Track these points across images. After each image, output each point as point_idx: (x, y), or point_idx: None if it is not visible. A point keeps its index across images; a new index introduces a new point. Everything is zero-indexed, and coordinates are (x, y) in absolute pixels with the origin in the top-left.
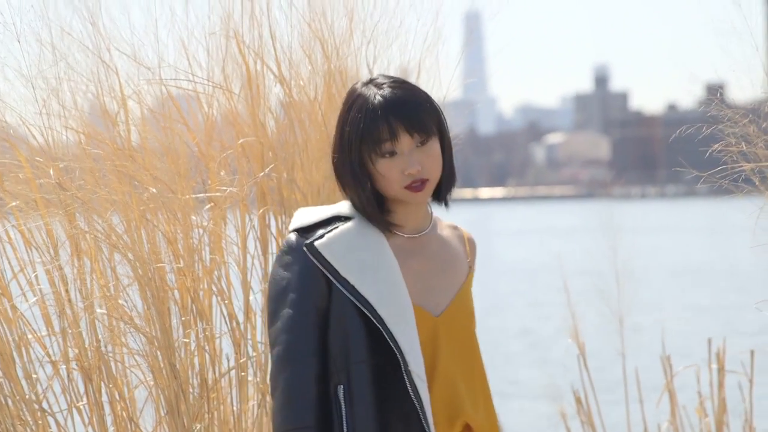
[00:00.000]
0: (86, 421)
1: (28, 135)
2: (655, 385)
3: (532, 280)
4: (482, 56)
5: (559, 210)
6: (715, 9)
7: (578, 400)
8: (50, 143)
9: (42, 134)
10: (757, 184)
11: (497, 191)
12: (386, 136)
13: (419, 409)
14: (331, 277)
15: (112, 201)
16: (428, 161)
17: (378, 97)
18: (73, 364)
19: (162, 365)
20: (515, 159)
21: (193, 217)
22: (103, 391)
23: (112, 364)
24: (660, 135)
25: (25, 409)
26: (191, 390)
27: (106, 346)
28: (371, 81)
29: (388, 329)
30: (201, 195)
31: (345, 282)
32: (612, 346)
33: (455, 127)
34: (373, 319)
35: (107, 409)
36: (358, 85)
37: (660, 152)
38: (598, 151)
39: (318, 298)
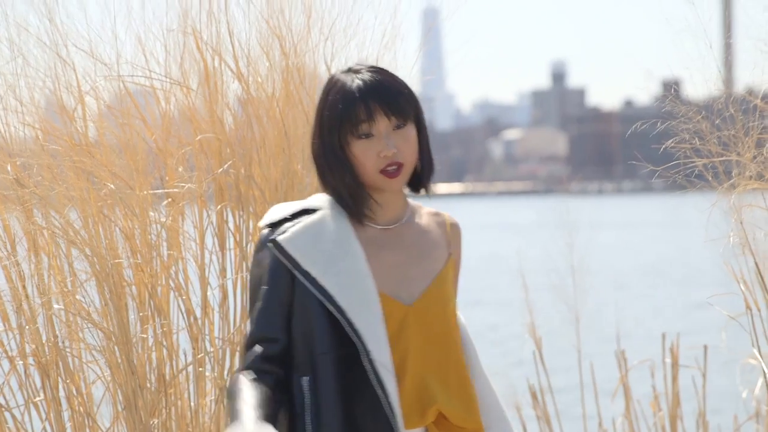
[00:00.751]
0: (43, 416)
1: None
2: (610, 379)
3: (489, 276)
4: (440, 53)
5: (517, 206)
6: (671, 7)
7: (534, 395)
8: (7, 139)
9: None
10: (710, 179)
11: (455, 187)
12: (363, 117)
13: (383, 398)
14: (294, 271)
15: (70, 197)
16: (404, 145)
17: (357, 81)
18: (30, 360)
19: (119, 361)
20: (473, 155)
21: (151, 213)
22: (61, 386)
23: (70, 359)
24: (617, 131)
25: None
26: (149, 385)
27: (63, 342)
28: (350, 69)
29: (349, 319)
30: (159, 191)
31: (307, 274)
32: (568, 342)
33: None
34: (333, 309)
35: (64, 404)
36: (337, 73)
37: (617, 148)
38: (555, 147)
39: (284, 292)
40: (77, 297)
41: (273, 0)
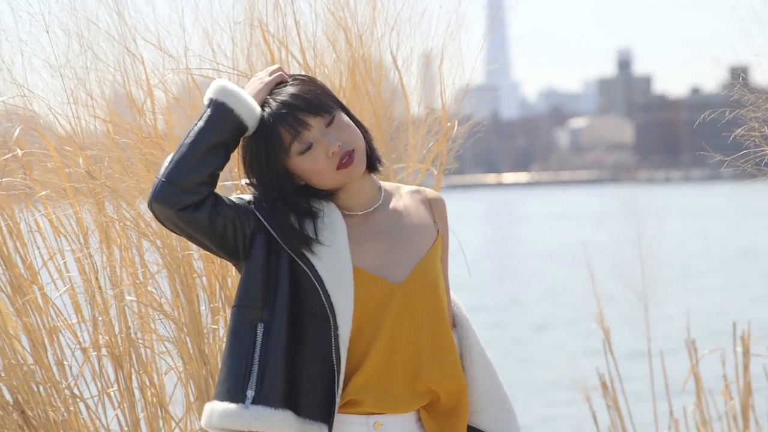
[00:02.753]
0: (117, 407)
1: (56, 124)
2: (680, 369)
3: (557, 266)
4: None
5: (583, 195)
6: None
7: (603, 385)
8: (78, 132)
9: (70, 123)
10: None
11: (521, 176)
12: (292, 133)
13: (336, 374)
14: (272, 232)
15: (140, 189)
16: (345, 134)
17: (267, 110)
18: (104, 351)
19: (191, 351)
20: (539, 144)
21: None
22: (133, 377)
23: (142, 350)
24: (684, 118)
25: (56, 396)
26: None
27: (135, 333)
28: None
29: (326, 291)
30: (227, 183)
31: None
32: (637, 331)
33: (478, 112)
34: (311, 276)
35: (137, 395)
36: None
37: (684, 136)
38: (621, 135)
39: (247, 216)
40: (149, 288)
41: None
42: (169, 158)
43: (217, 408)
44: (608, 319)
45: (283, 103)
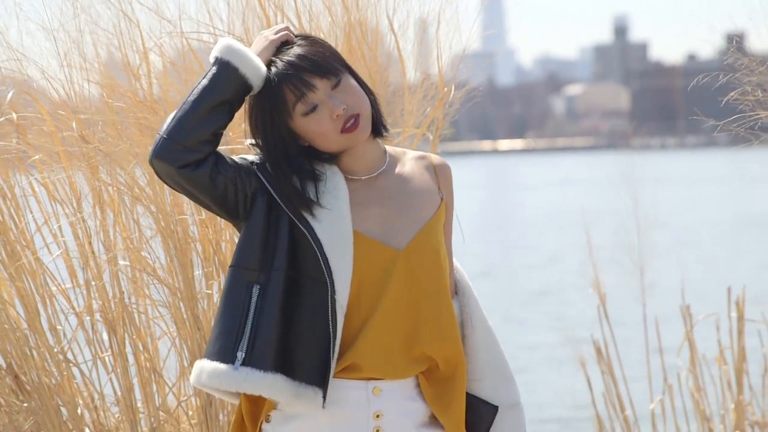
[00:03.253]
0: (110, 371)
1: (50, 88)
2: (675, 334)
3: (554, 233)
4: (501, 8)
5: (579, 162)
6: None
7: (598, 350)
8: (72, 96)
9: (64, 87)
10: None
11: (517, 143)
12: (297, 94)
13: (332, 338)
14: (273, 193)
15: (135, 153)
16: (351, 97)
17: (273, 69)
18: (97, 316)
19: (185, 316)
20: (535, 111)
21: None
22: (127, 342)
23: (136, 315)
24: (680, 85)
25: (50, 360)
26: None
27: (129, 298)
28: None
29: (325, 255)
30: (223, 147)
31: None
32: (632, 296)
33: (474, 78)
34: (312, 241)
35: (131, 359)
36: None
37: (680, 103)
38: (617, 102)
39: (249, 175)
40: (143, 253)
41: None
42: (171, 115)
43: (206, 367)
44: (604, 286)
45: (290, 64)
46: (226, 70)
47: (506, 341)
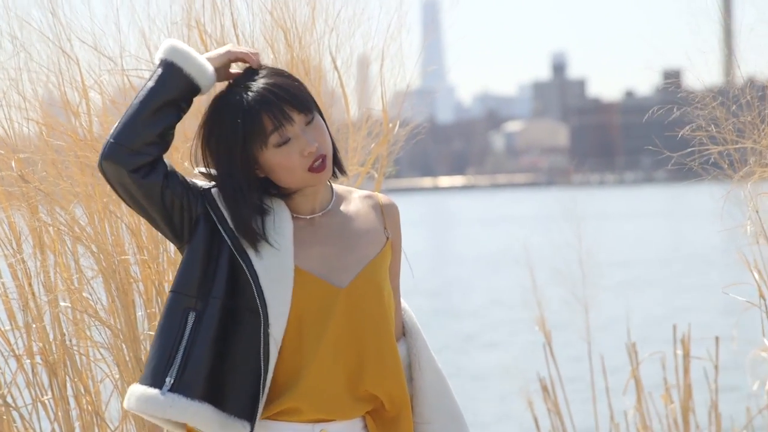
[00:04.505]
0: (51, 415)
1: None
2: (621, 371)
3: (497, 269)
4: (440, 45)
5: (519, 198)
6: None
7: (545, 388)
8: (11, 135)
9: (2, 126)
10: (725, 167)
11: (457, 180)
12: (273, 126)
13: (263, 371)
14: (217, 224)
15: (75, 193)
16: (321, 137)
17: (251, 94)
18: (38, 358)
19: (127, 358)
20: (474, 147)
21: None
22: (68, 385)
23: (77, 357)
24: (618, 122)
25: None
26: None
27: (70, 340)
28: (233, 84)
29: (260, 287)
30: (182, 176)
31: (231, 231)
32: (577, 334)
33: (416, 115)
34: (247, 271)
35: (72, 403)
36: (218, 99)
37: (618, 139)
38: (556, 138)
39: (196, 196)
40: (84, 294)
41: None
42: (119, 119)
43: (136, 390)
44: (549, 323)
45: (269, 91)
46: (170, 70)
47: (451, 374)
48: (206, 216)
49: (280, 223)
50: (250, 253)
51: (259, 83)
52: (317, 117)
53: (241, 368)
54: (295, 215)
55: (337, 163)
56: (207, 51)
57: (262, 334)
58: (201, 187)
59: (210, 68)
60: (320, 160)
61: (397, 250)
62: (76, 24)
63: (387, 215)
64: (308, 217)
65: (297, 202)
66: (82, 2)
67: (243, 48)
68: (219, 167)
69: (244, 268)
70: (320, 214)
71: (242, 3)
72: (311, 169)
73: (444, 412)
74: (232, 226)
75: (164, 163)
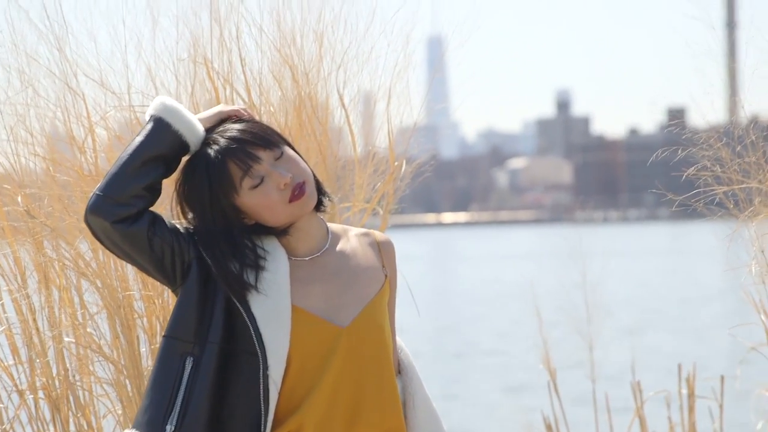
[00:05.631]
0: None
1: None
2: (625, 411)
3: (502, 307)
4: (446, 82)
5: (522, 235)
6: (678, 35)
7: (548, 427)
8: (17, 170)
9: (9, 161)
10: (730, 207)
11: (460, 216)
12: (243, 168)
13: (263, 413)
14: (212, 268)
15: (81, 228)
16: (295, 167)
17: (215, 146)
18: (41, 394)
19: (131, 394)
20: (478, 184)
21: None
22: (71, 420)
23: (80, 393)
24: (622, 159)
25: None
26: None
27: (74, 375)
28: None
29: (258, 330)
30: (171, 222)
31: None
32: (582, 372)
33: (421, 152)
34: (245, 315)
35: None
36: (187, 166)
37: (622, 176)
38: (560, 175)
39: (186, 240)
40: (88, 330)
41: (285, 28)
42: (106, 174)
43: None
44: (554, 361)
45: (232, 138)
46: (159, 126)
47: (455, 417)
48: (199, 259)
49: (275, 263)
50: (247, 295)
51: (221, 134)
52: (287, 150)
53: (241, 412)
54: (292, 258)
55: (320, 191)
56: (214, 87)
57: (261, 377)
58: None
59: (200, 127)
60: (299, 188)
61: (394, 287)
62: (82, 60)
63: (384, 252)
64: (307, 258)
65: (291, 243)
66: (88, 39)
67: (233, 106)
68: (198, 222)
69: (242, 311)
70: (318, 254)
71: (250, 39)
72: (293, 199)
73: None
74: (216, 274)
75: (150, 212)
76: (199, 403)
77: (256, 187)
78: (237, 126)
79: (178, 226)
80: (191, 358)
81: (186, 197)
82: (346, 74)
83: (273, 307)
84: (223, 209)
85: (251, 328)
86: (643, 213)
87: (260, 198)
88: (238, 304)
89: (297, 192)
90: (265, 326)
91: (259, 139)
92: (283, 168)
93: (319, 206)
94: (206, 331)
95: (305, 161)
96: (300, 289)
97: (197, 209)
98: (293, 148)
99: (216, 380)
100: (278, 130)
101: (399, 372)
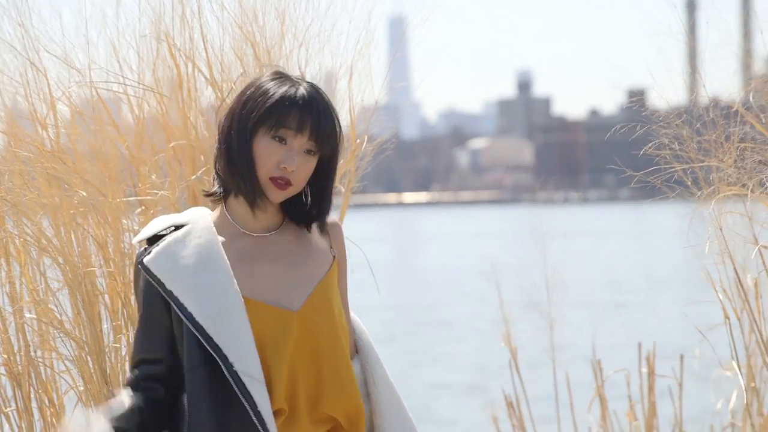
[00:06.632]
0: (15, 427)
1: None
2: (586, 389)
3: (460, 285)
4: (407, 61)
5: (484, 215)
6: (641, 14)
7: (510, 405)
8: None
9: None
10: (689, 186)
11: (421, 196)
12: (291, 125)
13: (250, 409)
14: (161, 291)
15: (42, 204)
16: (303, 170)
17: (302, 90)
18: (2, 370)
19: (92, 371)
20: (439, 164)
21: (124, 221)
22: (33, 396)
23: (42, 369)
24: (582, 140)
25: None
26: None
27: (35, 351)
28: (286, 75)
29: (208, 335)
30: (132, 198)
31: (170, 294)
32: (543, 351)
33: (384, 131)
34: (191, 327)
35: (36, 414)
36: (266, 77)
37: (583, 157)
38: (521, 156)
39: (160, 314)
40: (49, 306)
41: (246, 5)
42: None
43: None
44: (515, 339)
45: (319, 107)
46: None
47: (416, 395)
48: (163, 302)
49: (209, 250)
50: (189, 306)
51: (312, 91)
52: (314, 159)
53: (240, 421)
54: (243, 231)
55: (311, 215)
56: (176, 64)
57: (228, 375)
58: (139, 255)
59: None
60: (284, 182)
61: (344, 268)
62: (45, 36)
63: (332, 234)
64: (255, 235)
65: (246, 217)
66: (51, 15)
67: None
68: (231, 118)
69: (182, 317)
70: (268, 234)
71: (211, 17)
72: (273, 179)
73: (400, 423)
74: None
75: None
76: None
77: (273, 138)
78: (328, 105)
79: (147, 331)
80: (185, 395)
81: (246, 91)
82: (308, 52)
83: (218, 305)
84: (246, 128)
85: (202, 337)
86: (604, 194)
87: (264, 147)
88: (177, 310)
89: (281, 183)
90: (216, 329)
91: (324, 129)
92: (301, 161)
93: (305, 222)
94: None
95: (329, 180)
96: (246, 270)
97: (245, 107)
98: (327, 166)
99: (209, 400)
100: (339, 140)
101: (357, 351)
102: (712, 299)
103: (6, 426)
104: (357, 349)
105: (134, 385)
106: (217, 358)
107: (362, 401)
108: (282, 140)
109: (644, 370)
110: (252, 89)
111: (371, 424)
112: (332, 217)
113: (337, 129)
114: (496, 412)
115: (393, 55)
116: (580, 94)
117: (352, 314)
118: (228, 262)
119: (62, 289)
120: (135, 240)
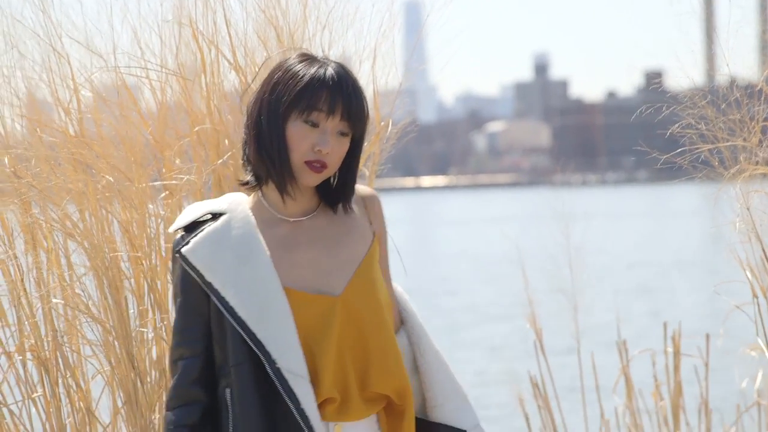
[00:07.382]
0: (42, 412)
1: None
2: (611, 369)
3: (483, 268)
4: (423, 45)
5: (501, 198)
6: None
7: (535, 386)
8: (3, 131)
9: None
10: (715, 165)
11: (439, 180)
12: (323, 107)
13: (293, 407)
14: (200, 282)
15: (68, 189)
16: (337, 152)
17: (330, 71)
18: (29, 355)
19: (119, 355)
20: (456, 148)
21: (150, 206)
22: (60, 382)
23: (69, 354)
24: (600, 122)
25: None
26: (149, 380)
27: (62, 337)
28: (314, 57)
29: (250, 330)
30: (157, 183)
31: (210, 285)
32: (568, 332)
33: (404, 115)
34: (233, 322)
35: (64, 400)
36: (293, 60)
37: (600, 140)
38: (538, 139)
39: (198, 303)
40: (76, 291)
41: None
42: None
43: None
44: (540, 321)
45: (350, 88)
46: None
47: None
48: (201, 294)
49: (249, 241)
50: (231, 300)
51: (342, 71)
52: (347, 140)
53: (286, 416)
54: (279, 216)
55: (338, 196)
56: (199, 48)
57: (272, 372)
58: (176, 243)
59: None
60: (319, 165)
61: (384, 240)
62: (67, 22)
63: (369, 207)
64: (292, 220)
65: (283, 202)
66: (73, 0)
67: None
68: (260, 104)
69: (225, 314)
70: (305, 218)
71: (235, 1)
72: (308, 163)
73: (453, 392)
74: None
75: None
76: (249, 427)
77: (305, 122)
78: (355, 85)
79: (186, 317)
80: (228, 390)
81: (276, 73)
82: (331, 35)
83: (259, 300)
84: (278, 113)
85: (244, 332)
86: (622, 176)
87: (297, 131)
88: (218, 303)
89: (316, 166)
90: (258, 324)
91: (355, 110)
92: (332, 143)
93: (334, 204)
94: (228, 358)
95: (356, 166)
96: (285, 258)
97: (276, 89)
98: (356, 147)
99: (255, 396)
100: (367, 122)
101: (402, 322)
102: (740, 278)
103: (33, 411)
104: (402, 320)
105: (184, 400)
106: (260, 355)
107: (408, 377)
108: (314, 125)
109: (670, 349)
110: (280, 72)
111: (422, 397)
112: (369, 189)
113: (366, 108)
114: (521, 393)
115: (410, 40)
116: (596, 77)
117: (395, 285)
118: (268, 252)
119: (88, 274)
120: (171, 228)
